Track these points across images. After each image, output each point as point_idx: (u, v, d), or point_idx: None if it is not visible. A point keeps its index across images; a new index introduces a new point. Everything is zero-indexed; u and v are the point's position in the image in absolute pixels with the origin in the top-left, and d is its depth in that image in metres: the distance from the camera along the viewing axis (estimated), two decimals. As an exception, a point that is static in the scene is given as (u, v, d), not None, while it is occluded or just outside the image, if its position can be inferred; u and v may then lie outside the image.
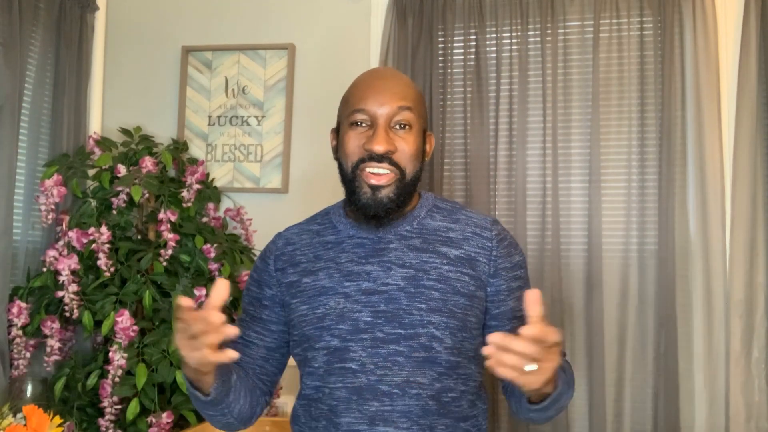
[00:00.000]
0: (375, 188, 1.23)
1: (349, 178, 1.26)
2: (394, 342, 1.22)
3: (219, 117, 2.70)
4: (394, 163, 1.23)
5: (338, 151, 1.31)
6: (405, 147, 1.24)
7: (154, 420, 2.14)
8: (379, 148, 1.22)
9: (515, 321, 1.29)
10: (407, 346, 1.22)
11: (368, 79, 1.29)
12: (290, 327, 1.33)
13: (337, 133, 1.33)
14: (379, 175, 1.23)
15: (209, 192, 2.56)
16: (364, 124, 1.25)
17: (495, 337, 0.97)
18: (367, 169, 1.23)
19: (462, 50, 2.49)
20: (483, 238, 1.29)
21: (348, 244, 1.30)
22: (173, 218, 2.32)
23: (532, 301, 1.00)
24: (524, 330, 0.98)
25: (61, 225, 2.33)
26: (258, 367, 1.38)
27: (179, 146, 2.65)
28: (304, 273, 1.31)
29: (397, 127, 1.25)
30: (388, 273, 1.25)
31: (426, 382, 1.22)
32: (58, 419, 1.39)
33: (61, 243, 2.26)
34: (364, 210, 1.25)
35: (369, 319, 1.23)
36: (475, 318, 1.27)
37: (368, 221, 1.27)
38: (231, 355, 1.06)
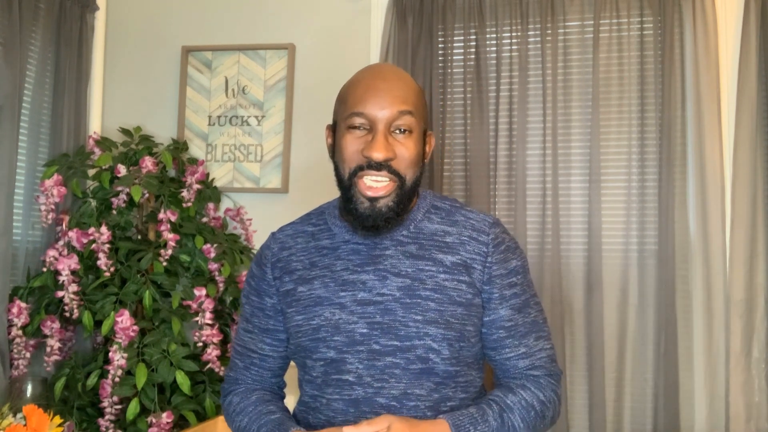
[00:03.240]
0: (372, 199, 1.18)
1: (346, 185, 1.21)
2: (391, 354, 1.19)
3: (219, 117, 2.70)
4: (393, 171, 1.18)
5: (335, 151, 1.25)
6: (405, 153, 1.18)
7: (154, 420, 2.14)
8: (378, 155, 1.16)
9: (501, 331, 1.26)
10: (404, 359, 1.19)
11: (368, 78, 1.22)
12: (287, 335, 1.30)
13: (334, 130, 1.27)
14: (377, 187, 1.18)
15: (209, 192, 2.56)
16: (362, 128, 1.19)
17: None
18: (365, 178, 1.18)
19: (462, 50, 2.49)
20: (479, 243, 1.25)
21: (343, 250, 1.26)
22: (173, 218, 2.32)
23: None
24: None
25: (61, 225, 2.33)
26: (276, 378, 1.37)
27: (179, 146, 2.65)
28: (300, 281, 1.27)
29: (397, 131, 1.19)
30: (383, 282, 1.21)
31: (424, 394, 1.20)
32: (58, 419, 1.39)
33: (61, 243, 2.27)
34: (361, 220, 1.20)
35: (365, 330, 1.20)
36: (473, 326, 1.24)
37: (366, 230, 1.22)
38: None
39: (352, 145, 1.19)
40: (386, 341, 1.19)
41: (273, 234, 1.36)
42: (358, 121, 1.19)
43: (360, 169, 1.18)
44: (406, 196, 1.21)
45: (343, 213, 1.29)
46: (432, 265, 1.23)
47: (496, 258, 1.25)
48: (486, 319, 1.26)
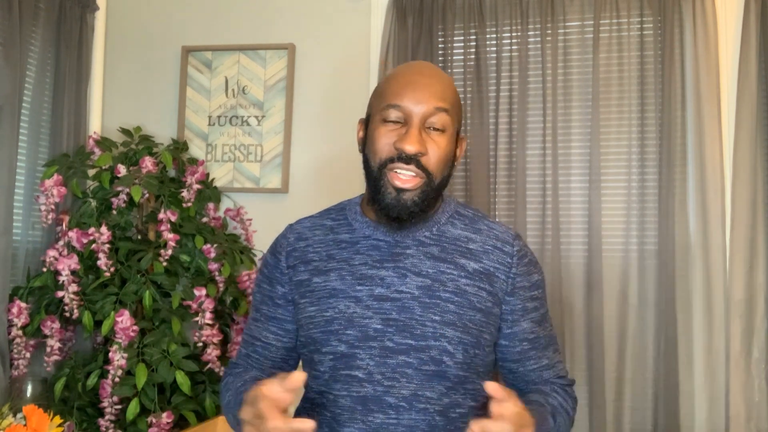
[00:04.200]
0: (400, 190, 1.18)
1: (375, 176, 1.20)
2: (404, 353, 1.18)
3: (219, 117, 2.70)
4: (421, 167, 1.17)
5: (365, 144, 1.24)
6: (435, 151, 1.18)
7: (154, 420, 2.14)
8: (410, 148, 1.16)
9: (525, 343, 1.27)
10: (417, 358, 1.18)
11: (407, 73, 1.22)
12: (298, 327, 1.29)
13: (366, 124, 1.26)
14: (404, 178, 1.17)
15: (209, 192, 2.56)
16: (397, 121, 1.19)
17: (476, 427, 1.02)
18: (395, 170, 1.18)
19: (462, 50, 2.49)
20: (504, 254, 1.25)
21: (363, 245, 1.25)
22: (173, 218, 2.32)
23: (493, 391, 1.04)
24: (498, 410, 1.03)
25: (61, 225, 2.33)
26: (278, 369, 1.34)
27: (179, 146, 2.65)
28: (315, 272, 1.26)
29: (431, 128, 1.19)
30: (402, 280, 1.20)
31: (434, 397, 1.18)
32: (58, 419, 1.39)
33: (61, 243, 2.26)
34: (387, 210, 1.19)
35: (379, 326, 1.19)
36: (490, 335, 1.24)
37: (390, 222, 1.22)
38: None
39: (385, 137, 1.19)
40: (400, 339, 1.18)
41: (290, 225, 1.35)
42: (393, 113, 1.19)
43: (390, 161, 1.18)
44: (432, 194, 1.21)
45: (365, 208, 1.29)
46: (454, 269, 1.22)
47: (521, 270, 1.26)
48: (507, 332, 1.26)
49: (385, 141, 1.19)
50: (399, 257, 1.23)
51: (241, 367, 1.37)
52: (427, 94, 1.18)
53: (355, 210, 1.30)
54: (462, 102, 2.45)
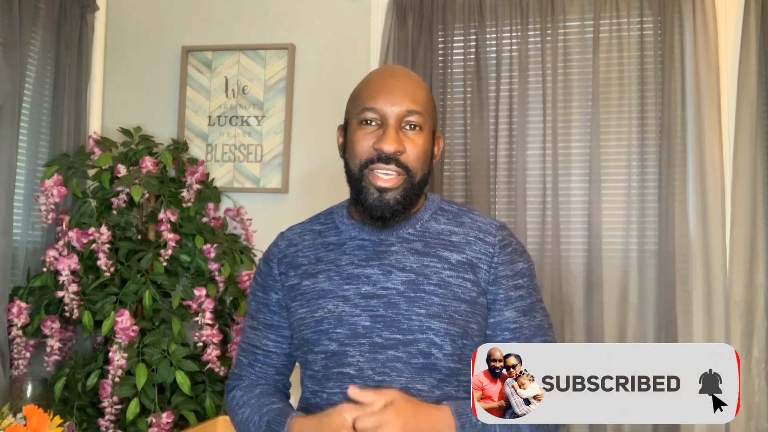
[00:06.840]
0: (382, 190, 1.21)
1: (356, 178, 1.24)
2: (393, 347, 1.20)
3: (219, 117, 2.70)
4: (401, 165, 1.21)
5: (345, 149, 1.28)
6: (413, 149, 1.22)
7: (154, 420, 2.14)
8: (389, 147, 1.19)
9: (507, 333, 1.26)
10: (406, 352, 1.20)
11: (380, 77, 1.27)
12: (291, 330, 1.31)
13: (345, 130, 1.30)
14: (386, 178, 1.21)
15: (209, 192, 2.56)
16: (374, 123, 1.23)
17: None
18: (376, 171, 1.21)
19: (462, 50, 2.49)
20: (486, 244, 1.26)
21: (349, 245, 1.28)
22: (173, 218, 2.32)
23: (357, 396, 1.12)
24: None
25: (61, 225, 2.33)
26: (280, 375, 1.38)
27: (179, 146, 2.65)
28: (305, 275, 1.29)
29: (408, 127, 1.23)
30: (388, 277, 1.23)
31: (425, 389, 1.20)
32: (58, 419, 1.39)
33: (61, 243, 2.27)
34: (370, 211, 1.23)
35: (367, 323, 1.21)
36: (477, 325, 1.24)
37: (373, 222, 1.25)
38: None
39: (364, 139, 1.23)
40: (389, 334, 1.20)
41: (281, 233, 1.39)
42: (369, 116, 1.23)
43: (371, 162, 1.22)
44: (414, 191, 1.24)
45: (351, 211, 1.32)
46: (437, 262, 1.24)
47: (503, 259, 1.26)
48: (491, 321, 1.27)
49: (364, 143, 1.23)
50: (384, 255, 1.25)
51: (245, 378, 1.38)
52: (400, 96, 1.22)
53: (342, 213, 1.33)
54: (462, 102, 2.49)
